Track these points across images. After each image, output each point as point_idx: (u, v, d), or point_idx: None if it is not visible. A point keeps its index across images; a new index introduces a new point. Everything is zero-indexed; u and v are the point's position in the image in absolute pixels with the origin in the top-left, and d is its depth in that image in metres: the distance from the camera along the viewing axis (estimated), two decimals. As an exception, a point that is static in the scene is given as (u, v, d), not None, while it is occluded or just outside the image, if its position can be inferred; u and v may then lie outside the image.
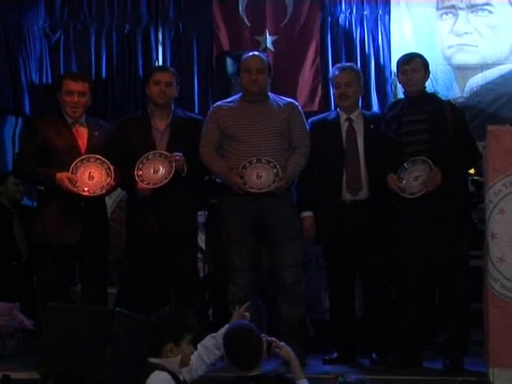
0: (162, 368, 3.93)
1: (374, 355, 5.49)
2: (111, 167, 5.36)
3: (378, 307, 5.56)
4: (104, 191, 5.40)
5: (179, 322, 4.03)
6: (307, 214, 5.57)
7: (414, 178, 5.26)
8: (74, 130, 5.51)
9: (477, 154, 5.39)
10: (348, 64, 6.06)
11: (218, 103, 5.72)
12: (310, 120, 5.71)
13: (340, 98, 5.62)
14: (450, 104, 5.65)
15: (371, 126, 5.58)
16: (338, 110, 5.70)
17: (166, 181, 5.36)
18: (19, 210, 6.62)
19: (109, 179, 5.37)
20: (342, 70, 5.68)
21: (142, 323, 4.32)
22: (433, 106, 5.42)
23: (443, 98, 6.41)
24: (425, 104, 5.43)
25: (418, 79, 5.45)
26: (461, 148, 5.30)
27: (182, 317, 4.07)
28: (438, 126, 5.34)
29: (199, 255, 6.00)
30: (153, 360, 3.98)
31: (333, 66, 7.21)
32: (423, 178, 5.22)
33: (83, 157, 5.39)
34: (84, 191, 5.34)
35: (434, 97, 5.78)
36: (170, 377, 3.92)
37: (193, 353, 4.14)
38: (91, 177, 5.36)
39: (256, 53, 5.84)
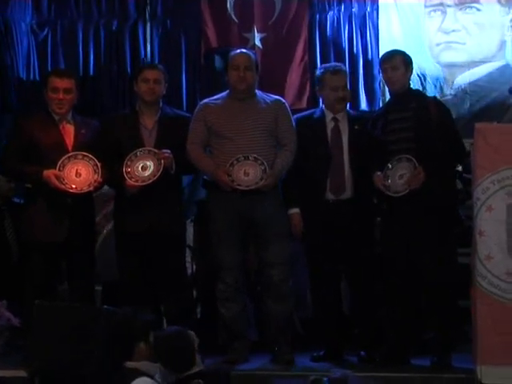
0: (143, 373, 3.91)
1: (362, 353, 5.50)
2: (98, 164, 5.35)
3: (363, 305, 5.57)
4: (91, 188, 5.38)
5: (144, 321, 4.03)
6: (295, 210, 5.56)
7: (399, 177, 5.25)
8: (60, 127, 5.49)
9: (463, 151, 5.39)
10: (339, 65, 5.94)
11: (204, 100, 5.70)
12: (294, 117, 5.67)
13: (338, 101, 5.59)
14: (435, 100, 5.64)
15: (356, 127, 5.57)
16: (323, 108, 5.67)
17: (155, 178, 5.35)
18: (10, 208, 6.56)
19: (96, 176, 5.35)
20: (337, 72, 5.61)
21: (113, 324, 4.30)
22: (417, 103, 5.41)
23: (431, 95, 6.43)
24: (409, 101, 5.42)
25: (398, 77, 5.43)
26: (446, 145, 5.30)
27: (144, 315, 4.08)
28: (423, 123, 5.32)
29: (187, 252, 6.00)
30: (131, 364, 3.96)
31: (321, 64, 7.22)
32: (407, 177, 5.22)
33: (70, 154, 5.38)
34: (71, 188, 5.33)
35: (418, 94, 5.78)
36: (153, 381, 3.92)
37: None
38: (78, 174, 5.35)
39: (244, 50, 5.84)
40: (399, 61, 5.45)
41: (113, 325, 4.28)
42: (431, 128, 5.29)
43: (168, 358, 4.09)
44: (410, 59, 5.52)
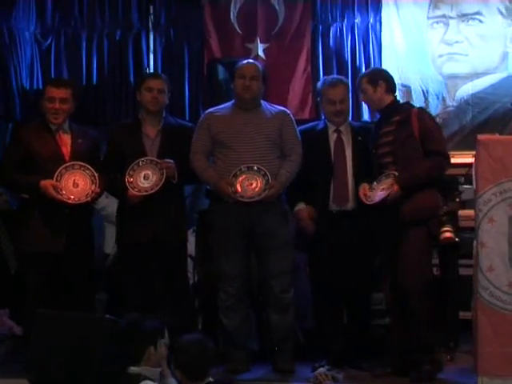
0: (145, 377, 3.91)
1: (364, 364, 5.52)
2: (96, 174, 5.36)
3: (357, 317, 5.65)
4: (89, 199, 5.38)
5: (152, 326, 4.04)
6: (301, 206, 5.56)
7: (381, 190, 5.29)
8: (57, 136, 5.49)
9: (445, 159, 5.34)
10: (339, 78, 5.92)
11: (209, 110, 5.72)
12: (298, 129, 5.69)
13: (335, 114, 5.60)
14: (418, 111, 5.49)
15: (359, 138, 5.58)
16: (327, 120, 5.69)
17: (157, 188, 5.36)
18: (5, 218, 6.50)
19: (93, 186, 5.36)
20: (334, 85, 5.63)
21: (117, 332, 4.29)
22: (401, 116, 5.37)
23: (433, 106, 6.43)
24: (394, 115, 5.39)
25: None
26: (428, 154, 5.28)
27: (154, 320, 4.08)
28: (403, 136, 5.29)
29: (189, 262, 6.00)
30: (134, 369, 3.95)
31: (324, 75, 7.23)
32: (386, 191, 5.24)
33: (67, 164, 5.38)
34: (69, 199, 5.32)
35: (403, 106, 5.65)
36: None
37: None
38: (76, 184, 5.35)
39: (251, 60, 5.89)
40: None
41: (119, 329, 4.27)
42: (412, 140, 5.27)
43: (185, 365, 4.09)
44: (377, 76, 5.49)
